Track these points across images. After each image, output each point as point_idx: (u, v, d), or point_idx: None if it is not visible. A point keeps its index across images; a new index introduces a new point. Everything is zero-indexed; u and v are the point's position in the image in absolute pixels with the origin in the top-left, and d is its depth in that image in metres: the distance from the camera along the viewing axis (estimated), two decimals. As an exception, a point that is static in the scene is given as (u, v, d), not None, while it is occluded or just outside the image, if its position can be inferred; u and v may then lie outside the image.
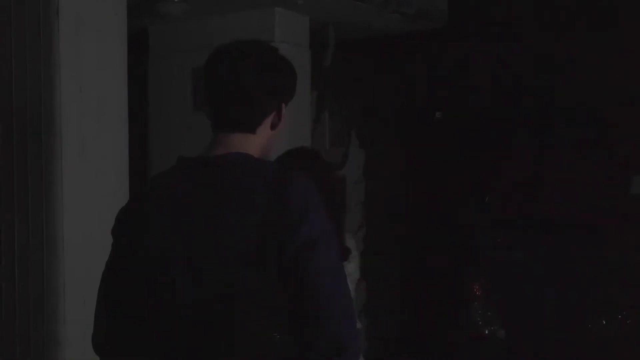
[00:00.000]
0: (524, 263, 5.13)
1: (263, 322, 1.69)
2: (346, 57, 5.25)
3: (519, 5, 5.27)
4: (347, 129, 5.59)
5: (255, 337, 1.68)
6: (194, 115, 4.28)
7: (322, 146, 5.23)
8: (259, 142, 1.86)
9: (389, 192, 5.93)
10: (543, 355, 4.94)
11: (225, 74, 1.81)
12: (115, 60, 3.27)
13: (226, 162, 1.79)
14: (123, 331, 1.87)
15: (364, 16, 4.82)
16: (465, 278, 5.39)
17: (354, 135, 5.72)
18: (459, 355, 5.29)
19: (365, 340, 5.88)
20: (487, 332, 5.27)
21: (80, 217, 3.10)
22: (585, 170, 5.01)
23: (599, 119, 5.01)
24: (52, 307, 3.05)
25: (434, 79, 5.67)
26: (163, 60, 4.61)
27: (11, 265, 3.15)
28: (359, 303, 5.84)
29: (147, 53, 4.70)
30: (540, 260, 5.06)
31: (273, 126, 1.88)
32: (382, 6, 4.66)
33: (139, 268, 1.79)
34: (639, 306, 4.79)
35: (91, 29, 3.15)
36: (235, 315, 1.67)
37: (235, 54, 1.84)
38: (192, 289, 1.72)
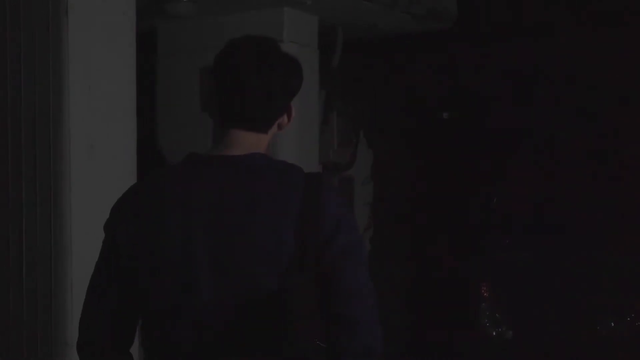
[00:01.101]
0: (532, 264, 5.12)
1: (309, 329, 1.69)
2: (354, 58, 5.24)
3: (526, 7, 5.25)
4: (355, 129, 5.58)
5: (304, 345, 1.68)
6: (202, 115, 4.27)
7: (329, 146, 5.22)
8: (267, 141, 1.86)
9: (396, 192, 5.92)
10: (551, 356, 4.92)
11: (250, 73, 1.78)
12: (124, 60, 3.26)
13: (253, 163, 1.77)
14: (118, 338, 1.81)
15: (373, 16, 4.80)
16: (472, 279, 5.37)
17: (362, 136, 5.71)
18: (466, 357, 5.27)
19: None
20: (494, 333, 5.26)
21: (88, 218, 3.08)
22: (594, 171, 5.00)
23: (607, 120, 4.99)
24: (60, 307, 3.04)
25: (441, 79, 5.66)
26: (171, 59, 4.60)
27: (19, 266, 3.14)
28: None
29: (155, 52, 4.69)
30: (548, 262, 5.05)
31: (280, 126, 1.88)
32: (391, 6, 4.64)
33: (147, 269, 1.73)
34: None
35: (100, 28, 3.14)
36: (285, 322, 1.66)
37: (257, 53, 1.81)
38: (221, 295, 1.68)
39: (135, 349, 1.88)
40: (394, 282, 5.90)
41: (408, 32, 5.20)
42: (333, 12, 4.61)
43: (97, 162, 3.14)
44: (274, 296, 1.67)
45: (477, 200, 5.51)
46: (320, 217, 1.70)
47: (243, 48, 1.83)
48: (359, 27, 5.03)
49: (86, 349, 1.82)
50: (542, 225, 5.12)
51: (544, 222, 5.12)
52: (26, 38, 3.13)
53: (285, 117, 1.87)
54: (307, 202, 1.71)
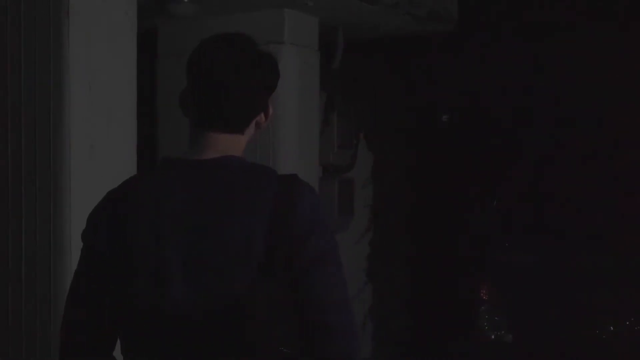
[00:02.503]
0: (532, 267, 5.11)
1: (273, 335, 1.66)
2: (355, 59, 5.23)
3: (526, 8, 5.25)
4: (356, 131, 5.58)
5: (266, 350, 1.65)
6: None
7: (330, 148, 5.21)
8: (244, 142, 1.82)
9: (396, 195, 5.91)
10: (550, 360, 4.92)
11: (226, 71, 1.74)
12: (125, 60, 3.26)
13: (226, 167, 1.73)
14: (99, 345, 1.78)
15: (374, 18, 4.80)
16: (472, 282, 5.37)
17: (363, 138, 5.71)
18: (465, 360, 5.27)
19: (371, 343, 5.86)
20: (493, 336, 5.26)
21: (88, 218, 3.08)
22: (595, 174, 4.99)
23: (609, 122, 4.98)
24: (59, 308, 3.02)
25: (442, 81, 5.65)
26: (172, 59, 4.59)
27: (18, 266, 3.13)
28: (365, 306, 5.82)
29: (155, 53, 4.69)
30: (548, 265, 5.04)
31: (258, 125, 1.83)
32: (392, 8, 4.64)
33: (124, 275, 1.70)
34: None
35: (101, 28, 3.14)
36: (249, 327, 1.63)
37: (227, 51, 1.76)
38: (194, 297, 1.65)
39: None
40: (394, 284, 5.90)
41: (410, 33, 5.20)
42: (334, 14, 4.61)
43: (97, 162, 3.14)
44: (238, 301, 1.63)
45: (478, 202, 5.50)
46: (292, 220, 1.66)
47: (218, 46, 1.78)
48: (361, 29, 5.03)
49: (70, 354, 1.80)
50: (544, 228, 5.12)
51: (545, 225, 5.11)
52: (27, 38, 3.13)
53: (262, 116, 1.82)
54: (279, 204, 1.67)
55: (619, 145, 4.95)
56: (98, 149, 3.14)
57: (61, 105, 3.04)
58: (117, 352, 1.84)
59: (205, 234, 1.67)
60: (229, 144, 1.77)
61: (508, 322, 5.26)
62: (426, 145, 5.79)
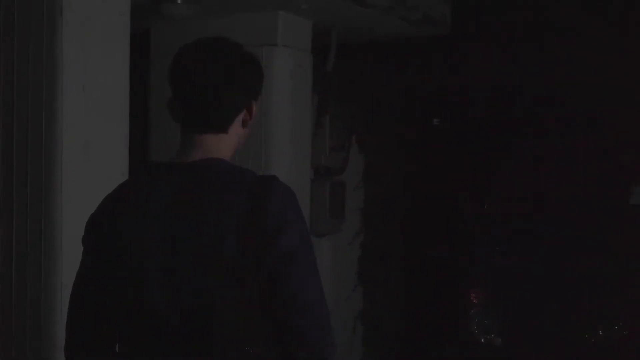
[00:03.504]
0: (523, 271, 5.12)
1: (240, 336, 1.68)
2: (348, 62, 5.24)
3: (521, 11, 5.26)
4: (348, 134, 5.57)
5: (232, 351, 1.67)
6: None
7: (322, 150, 5.21)
8: (231, 141, 1.85)
9: (388, 198, 5.91)
10: (540, 364, 4.92)
11: (195, 73, 1.80)
12: (119, 61, 3.24)
13: (205, 170, 1.77)
14: (100, 342, 1.85)
15: (368, 21, 4.80)
16: (464, 285, 5.37)
17: (355, 140, 5.70)
18: (455, 363, 5.27)
19: (361, 347, 5.86)
20: (483, 340, 5.25)
21: (79, 218, 3.04)
22: (585, 178, 5.00)
23: (600, 126, 4.99)
24: (49, 309, 3.02)
25: (435, 84, 5.66)
26: (165, 61, 4.56)
27: (9, 267, 3.12)
28: (355, 309, 5.82)
29: (148, 54, 4.68)
30: (539, 269, 5.04)
31: (244, 123, 1.86)
32: (386, 11, 4.65)
33: (113, 277, 1.77)
34: (636, 316, 4.78)
35: (95, 28, 3.13)
36: (214, 328, 1.66)
37: (203, 53, 1.82)
38: (169, 299, 1.70)
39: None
40: (385, 288, 5.90)
41: (403, 37, 5.20)
42: (328, 16, 4.61)
43: (90, 162, 3.12)
44: (206, 301, 1.67)
45: (469, 205, 5.51)
46: (262, 220, 1.68)
47: (191, 50, 1.85)
48: (354, 32, 5.03)
49: (73, 351, 1.87)
50: (534, 232, 5.12)
51: (536, 229, 5.12)
52: (20, 37, 3.11)
53: (247, 114, 1.86)
54: (252, 205, 1.69)
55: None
56: (91, 150, 3.12)
57: (54, 105, 3.03)
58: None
59: (181, 236, 1.71)
60: (214, 144, 1.81)
61: (498, 325, 5.26)
62: (418, 148, 5.79)
